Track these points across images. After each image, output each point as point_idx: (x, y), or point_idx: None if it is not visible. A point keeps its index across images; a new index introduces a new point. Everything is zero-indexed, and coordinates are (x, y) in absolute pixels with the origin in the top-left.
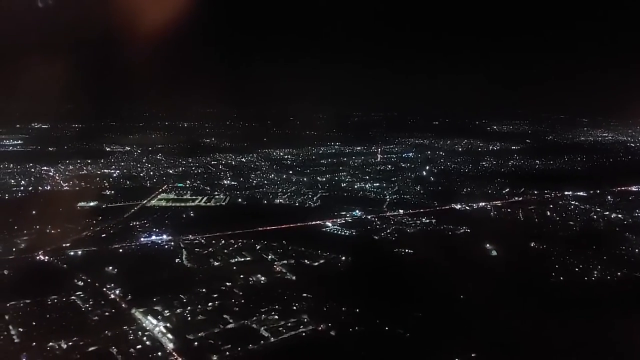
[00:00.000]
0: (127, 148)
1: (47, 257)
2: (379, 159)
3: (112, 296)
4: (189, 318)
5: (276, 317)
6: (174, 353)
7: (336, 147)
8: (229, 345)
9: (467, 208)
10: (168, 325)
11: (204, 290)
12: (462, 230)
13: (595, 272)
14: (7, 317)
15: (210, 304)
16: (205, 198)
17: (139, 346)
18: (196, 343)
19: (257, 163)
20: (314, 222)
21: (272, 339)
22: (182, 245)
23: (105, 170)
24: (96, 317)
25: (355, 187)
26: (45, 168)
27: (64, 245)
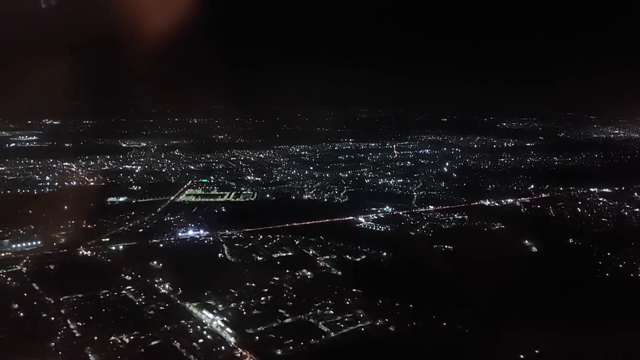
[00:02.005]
0: (143, 144)
1: (89, 252)
2: (396, 155)
3: (163, 290)
4: (244, 313)
5: (331, 312)
6: (237, 347)
7: (350, 143)
8: (291, 340)
9: (497, 204)
10: (225, 319)
11: (253, 285)
12: (497, 227)
13: None
14: (62, 311)
15: (262, 298)
16: (233, 193)
17: (201, 340)
18: (257, 337)
19: (276, 159)
20: (347, 218)
21: (332, 334)
22: (221, 240)
23: (126, 166)
24: (152, 312)
25: (380, 183)
26: (66, 164)
27: (103, 240)
